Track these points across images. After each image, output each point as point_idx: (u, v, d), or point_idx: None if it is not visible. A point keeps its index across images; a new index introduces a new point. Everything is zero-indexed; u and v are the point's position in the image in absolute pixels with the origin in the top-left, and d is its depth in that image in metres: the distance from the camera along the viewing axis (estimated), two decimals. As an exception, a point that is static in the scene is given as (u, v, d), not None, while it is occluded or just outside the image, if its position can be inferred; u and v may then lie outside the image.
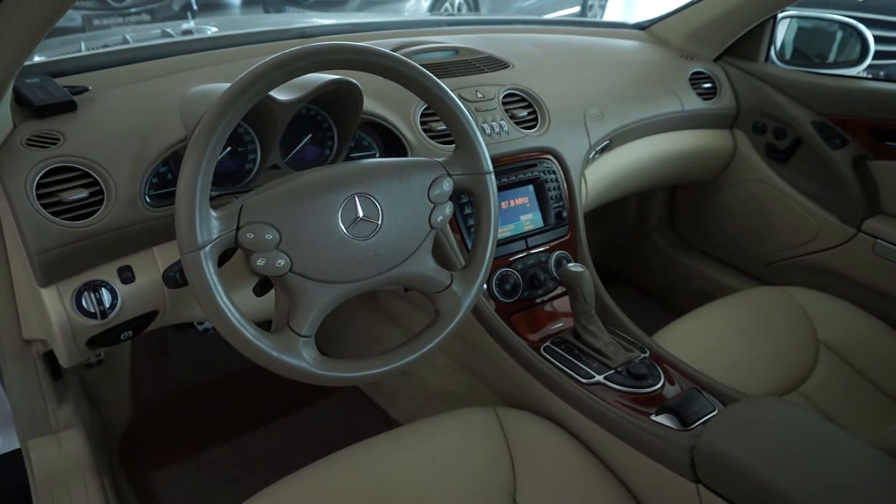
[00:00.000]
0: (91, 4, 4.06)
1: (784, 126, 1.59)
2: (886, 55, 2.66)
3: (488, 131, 1.17)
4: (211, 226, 0.69)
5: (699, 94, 1.59)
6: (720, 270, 1.90)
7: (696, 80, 1.61)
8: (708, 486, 0.80)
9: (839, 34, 1.60)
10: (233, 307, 0.70)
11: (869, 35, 1.51)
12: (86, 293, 0.86)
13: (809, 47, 1.65)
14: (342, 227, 0.76)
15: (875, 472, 0.76)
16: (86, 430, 1.15)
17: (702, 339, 1.23)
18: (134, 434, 1.48)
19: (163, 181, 0.91)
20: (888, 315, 1.30)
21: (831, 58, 1.62)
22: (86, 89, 0.95)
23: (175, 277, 0.76)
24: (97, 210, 0.83)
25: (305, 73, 0.75)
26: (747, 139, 1.69)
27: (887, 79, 1.47)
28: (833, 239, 1.56)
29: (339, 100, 0.97)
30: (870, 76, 1.55)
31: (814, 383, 1.17)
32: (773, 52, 1.64)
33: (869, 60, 1.51)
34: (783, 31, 1.63)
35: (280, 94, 0.89)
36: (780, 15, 1.59)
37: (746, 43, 1.65)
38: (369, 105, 1.04)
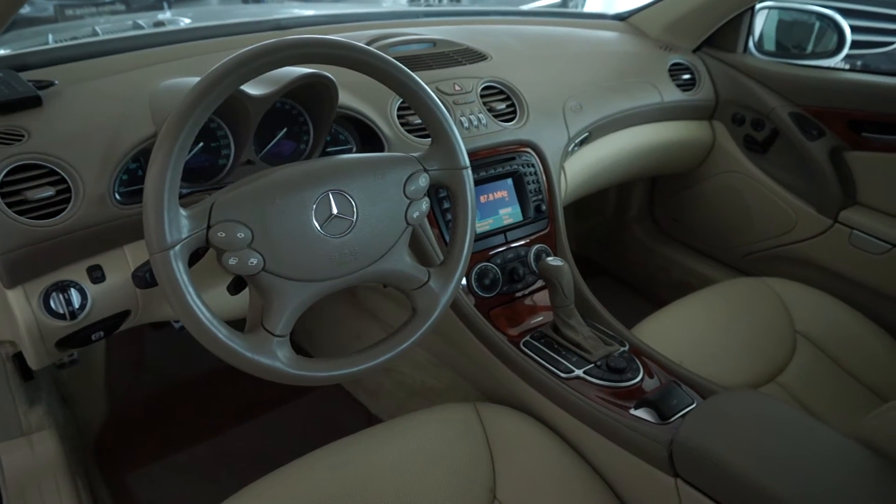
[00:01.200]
0: (63, -7, 3.97)
1: (762, 117, 1.59)
2: (863, 45, 2.67)
3: (466, 125, 1.16)
4: (180, 225, 0.67)
5: (678, 86, 1.59)
6: (699, 261, 1.91)
7: (675, 71, 1.61)
8: (686, 479, 0.80)
9: (816, 25, 1.60)
10: (204, 307, 0.68)
11: (845, 26, 1.51)
12: (54, 294, 0.84)
13: (787, 38, 1.65)
14: (316, 224, 0.74)
15: (851, 464, 0.76)
16: (59, 432, 1.13)
17: (681, 331, 1.23)
18: (110, 434, 1.46)
19: (133, 178, 0.89)
20: (864, 305, 1.31)
21: (808, 48, 1.62)
22: (52, 83, 0.92)
23: (145, 277, 0.74)
24: (64, 208, 0.81)
25: (277, 68, 0.73)
26: (726, 130, 1.69)
27: (863, 69, 1.48)
28: (810, 230, 1.57)
29: (314, 94, 0.95)
30: (846, 67, 1.56)
31: (791, 374, 1.18)
32: (751, 43, 1.65)
33: (845, 51, 1.51)
34: (761, 22, 1.63)
35: (253, 89, 0.87)
36: (757, 6, 1.59)
37: (725, 34, 1.65)
38: (345, 99, 1.02)
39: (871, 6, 2.75)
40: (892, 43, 2.74)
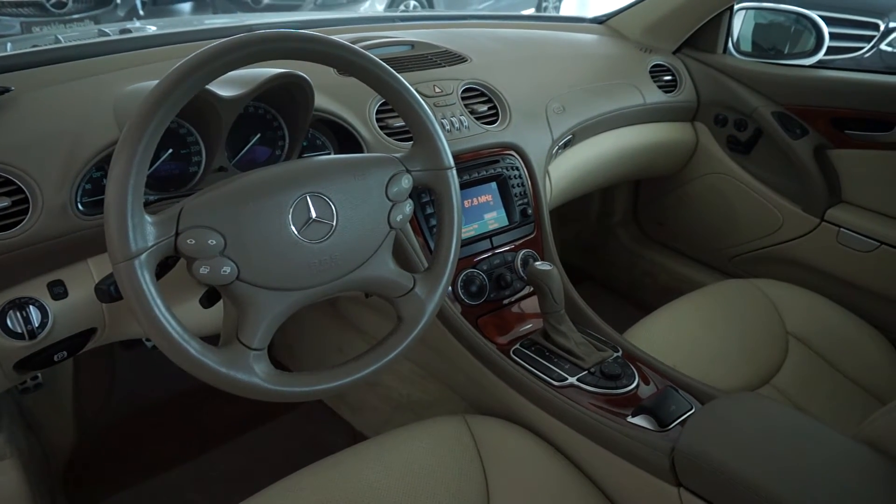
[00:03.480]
0: (30, 11, 3.90)
1: (745, 117, 1.58)
2: (834, 51, 2.70)
3: (448, 127, 1.13)
4: (146, 232, 0.63)
5: (660, 87, 1.58)
6: (685, 265, 1.89)
7: (656, 72, 1.60)
8: (689, 489, 0.77)
9: (794, 25, 1.60)
10: (173, 320, 0.63)
11: (823, 26, 1.51)
12: (11, 312, 0.79)
13: (765, 38, 1.65)
14: (293, 229, 0.70)
15: (860, 467, 0.73)
16: (21, 462, 1.07)
17: (673, 335, 1.21)
18: (79, 461, 1.39)
19: (97, 187, 0.84)
20: (854, 303, 1.30)
21: (786, 49, 1.62)
22: (8, 89, 0.87)
23: (109, 291, 0.69)
24: (21, 220, 0.76)
25: (246, 65, 0.69)
26: (709, 132, 1.68)
27: (843, 67, 1.48)
28: (797, 229, 1.56)
29: (289, 96, 0.91)
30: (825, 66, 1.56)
31: (785, 375, 1.16)
32: (730, 44, 1.64)
33: (823, 51, 1.51)
34: (740, 23, 1.63)
35: (223, 90, 0.83)
36: (736, 6, 1.59)
37: (704, 35, 1.65)
38: (321, 101, 0.99)
39: (842, 13, 2.79)
40: (861, 48, 2.79)
